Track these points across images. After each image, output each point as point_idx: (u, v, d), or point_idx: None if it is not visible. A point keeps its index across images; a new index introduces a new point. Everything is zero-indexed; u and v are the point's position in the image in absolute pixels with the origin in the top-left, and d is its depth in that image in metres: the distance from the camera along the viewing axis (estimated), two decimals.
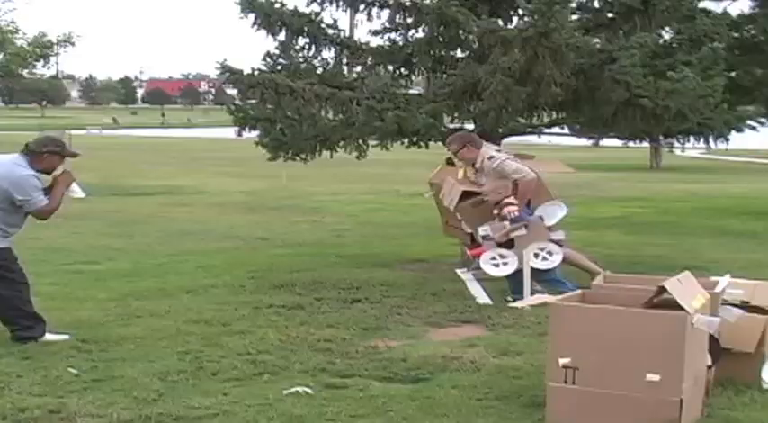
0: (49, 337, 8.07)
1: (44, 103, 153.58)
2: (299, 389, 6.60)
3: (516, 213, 9.68)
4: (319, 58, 12.07)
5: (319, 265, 12.57)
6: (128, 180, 29.51)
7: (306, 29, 11.86)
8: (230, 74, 11.44)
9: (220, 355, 7.56)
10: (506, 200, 9.70)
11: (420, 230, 16.64)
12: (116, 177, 30.58)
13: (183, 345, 7.93)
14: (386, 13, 11.99)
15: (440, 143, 11.45)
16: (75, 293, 10.35)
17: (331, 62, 12.15)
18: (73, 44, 27.15)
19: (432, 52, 11.90)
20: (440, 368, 7.29)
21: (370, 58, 12.12)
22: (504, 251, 9.65)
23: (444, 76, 11.98)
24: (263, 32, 11.90)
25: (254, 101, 12.15)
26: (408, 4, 11.68)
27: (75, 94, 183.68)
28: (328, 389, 6.72)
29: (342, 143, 12.01)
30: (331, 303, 9.83)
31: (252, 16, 11.74)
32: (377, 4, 11.94)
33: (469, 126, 12.29)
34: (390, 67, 12.24)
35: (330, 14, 12.05)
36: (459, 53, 12.12)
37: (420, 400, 6.44)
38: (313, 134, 11.26)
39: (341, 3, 12.00)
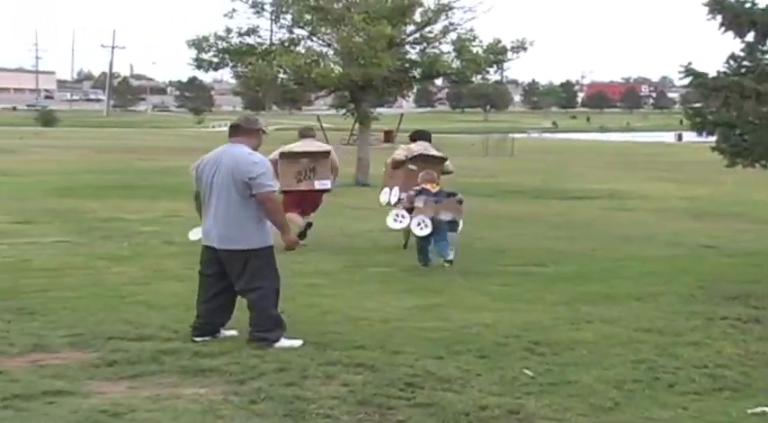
0: (283, 342, 7.83)
1: (488, 107, 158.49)
2: (766, 408, 6.23)
3: (417, 189, 12.93)
4: None
5: None
6: (569, 183, 29.68)
7: None
8: (693, 77, 11.06)
9: (676, 367, 7.34)
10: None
11: None
12: (557, 181, 30.89)
13: (635, 353, 7.79)
14: None
15: None
16: (525, 296, 10.47)
17: None
18: (525, 50, 27.59)
19: None
20: None
21: None
22: (404, 212, 12.84)
23: None
24: (704, 34, 11.45)
25: (698, 105, 11.69)
26: None
27: (517, 98, 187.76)
28: None
29: None
30: None
31: (720, 17, 11.26)
32: None
33: None
34: None
35: None
36: None
37: None
38: None
39: None
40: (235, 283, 7.95)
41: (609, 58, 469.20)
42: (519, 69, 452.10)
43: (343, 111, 29.38)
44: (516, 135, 64.27)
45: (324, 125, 63.18)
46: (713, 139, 12.26)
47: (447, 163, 14.52)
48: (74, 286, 10.34)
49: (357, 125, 30.27)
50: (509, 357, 7.56)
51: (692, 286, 11.07)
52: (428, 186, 13.01)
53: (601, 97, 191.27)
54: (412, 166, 14.03)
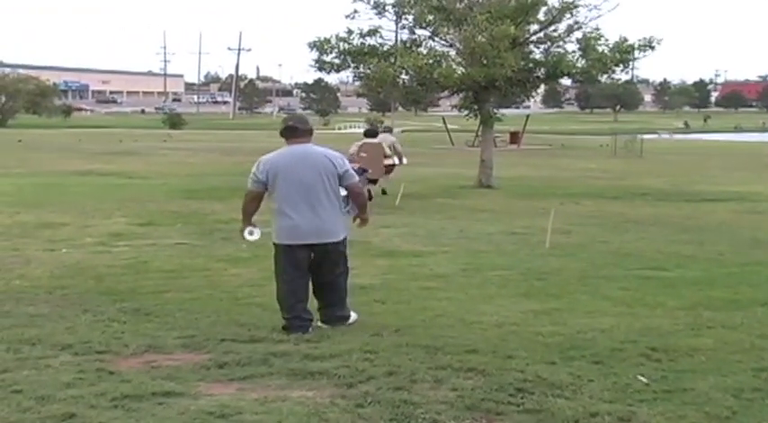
0: (352, 316, 8.61)
1: (618, 107, 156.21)
2: None
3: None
4: None
5: None
6: (698, 186, 29.03)
7: None
8: None
9: None
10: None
11: None
12: (687, 183, 30.25)
13: (757, 361, 7.48)
14: None
15: None
16: (645, 299, 10.21)
17: None
18: (653, 48, 26.95)
19: None
20: None
21: None
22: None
23: None
24: None
25: None
26: None
27: (648, 98, 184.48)
28: None
29: None
30: None
31: None
32: None
33: None
34: None
35: None
36: None
37: None
38: None
39: None
40: (325, 273, 8.46)
41: (744, 56, 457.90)
42: (650, 68, 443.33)
43: (466, 112, 29.11)
44: (646, 136, 63.13)
45: (449, 126, 63.16)
46: None
47: (385, 149, 21.66)
48: (190, 288, 10.51)
49: (482, 126, 30.08)
50: (624, 363, 7.34)
51: None
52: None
53: (736, 97, 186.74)
54: (363, 154, 21.18)
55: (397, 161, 23.18)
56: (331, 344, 7.80)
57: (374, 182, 21.53)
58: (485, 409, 6.17)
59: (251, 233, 8.76)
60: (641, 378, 6.90)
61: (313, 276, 8.49)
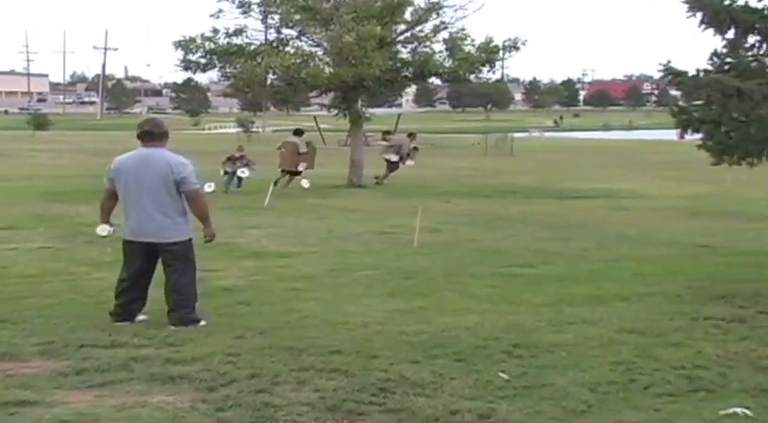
0: (202, 321, 8.72)
1: (489, 106, 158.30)
2: (738, 410, 6.13)
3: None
4: None
5: (764, 277, 11.78)
6: (567, 183, 29.58)
7: (757, 26, 11.00)
8: (674, 76, 10.90)
9: (654, 368, 7.23)
10: None
11: None
12: (556, 180, 30.79)
13: (614, 355, 7.67)
14: None
15: None
16: (511, 297, 10.36)
17: None
18: (518, 49, 27.43)
19: None
20: None
21: None
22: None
23: None
24: (709, 31, 11.20)
25: (699, 102, 11.56)
26: None
27: (518, 97, 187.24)
28: None
29: None
30: None
31: (700, 15, 11.07)
32: None
33: None
34: None
35: None
36: None
37: None
38: (762, 137, 10.48)
39: None
40: (168, 274, 8.80)
41: (611, 56, 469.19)
42: (520, 67, 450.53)
43: (335, 111, 29.17)
44: (518, 134, 64.11)
45: (321, 126, 63.07)
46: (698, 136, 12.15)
47: (300, 146, 25.10)
48: (52, 293, 10.27)
49: (351, 126, 30.13)
50: (486, 360, 7.44)
51: (680, 286, 10.96)
52: (236, 153, 24.21)
53: (603, 95, 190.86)
54: (282, 150, 25.33)
55: (395, 158, 27.76)
56: (194, 347, 7.71)
57: (296, 174, 24.96)
58: (346, 409, 6.18)
59: (102, 229, 9.26)
60: (502, 375, 6.99)
61: (165, 278, 8.88)
